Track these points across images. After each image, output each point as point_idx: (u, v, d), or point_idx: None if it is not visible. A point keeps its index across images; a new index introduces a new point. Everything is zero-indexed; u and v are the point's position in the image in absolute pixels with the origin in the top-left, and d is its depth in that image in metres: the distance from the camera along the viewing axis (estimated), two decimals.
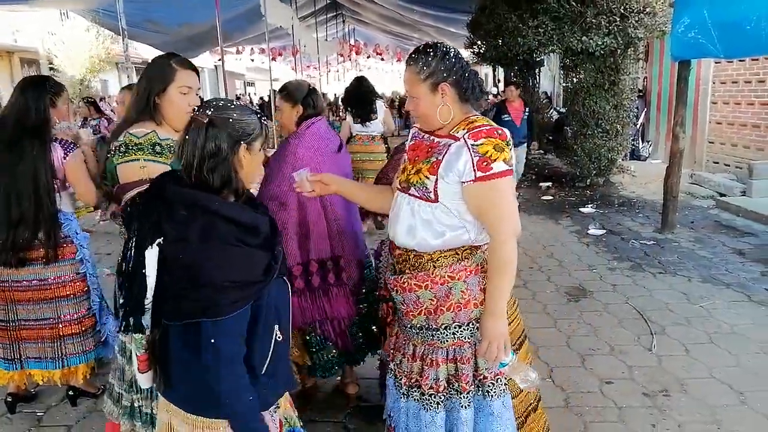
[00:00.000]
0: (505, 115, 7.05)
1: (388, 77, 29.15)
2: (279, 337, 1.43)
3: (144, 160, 1.91)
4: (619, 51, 7.58)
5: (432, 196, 1.71)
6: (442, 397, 1.78)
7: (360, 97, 5.54)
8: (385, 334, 2.56)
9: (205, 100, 1.52)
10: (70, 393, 2.87)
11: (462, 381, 1.75)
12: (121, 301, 1.40)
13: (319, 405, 2.78)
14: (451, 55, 1.71)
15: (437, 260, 1.75)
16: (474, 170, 1.62)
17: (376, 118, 5.59)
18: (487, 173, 1.61)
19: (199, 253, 1.30)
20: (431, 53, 1.70)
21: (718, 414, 2.70)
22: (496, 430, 1.77)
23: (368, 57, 22.56)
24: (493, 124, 1.70)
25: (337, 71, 24.30)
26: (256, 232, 1.37)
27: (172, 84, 1.96)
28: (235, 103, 1.46)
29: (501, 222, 1.65)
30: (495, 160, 1.61)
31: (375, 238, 4.81)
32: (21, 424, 2.76)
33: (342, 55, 19.33)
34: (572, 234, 6.00)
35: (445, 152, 1.69)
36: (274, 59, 14.61)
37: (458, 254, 1.74)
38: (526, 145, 7.42)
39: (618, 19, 7.18)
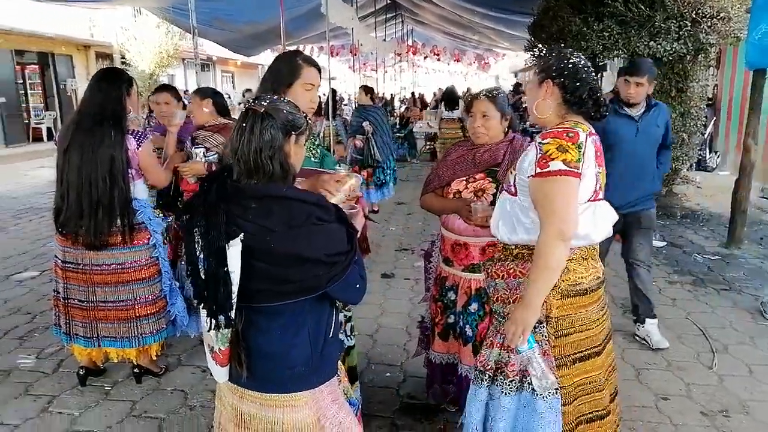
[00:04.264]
0: None
1: (444, 77, 29.05)
2: None
3: None
4: (688, 57, 7.27)
5: (513, 189, 1.84)
6: (488, 377, 1.88)
7: (449, 97, 10.06)
8: (434, 333, 2.61)
9: (255, 95, 1.59)
10: (136, 371, 3.05)
11: (508, 367, 1.82)
12: (200, 301, 1.45)
13: (367, 400, 2.83)
14: (570, 61, 1.77)
15: (516, 254, 1.86)
16: (535, 166, 1.70)
17: (458, 108, 9.69)
18: (543, 170, 1.67)
19: (289, 239, 1.38)
20: (551, 53, 1.82)
21: None
22: (537, 428, 1.78)
23: (425, 57, 22.55)
24: (577, 127, 1.72)
25: (394, 70, 24.39)
26: (326, 208, 1.46)
27: (298, 80, 2.00)
28: (284, 99, 1.56)
29: (546, 220, 1.68)
30: (554, 159, 1.66)
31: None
32: (91, 396, 2.95)
33: (399, 55, 19.39)
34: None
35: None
36: (333, 56, 14.83)
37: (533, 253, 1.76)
38: None
39: (689, 24, 6.89)
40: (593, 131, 1.79)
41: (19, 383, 3.08)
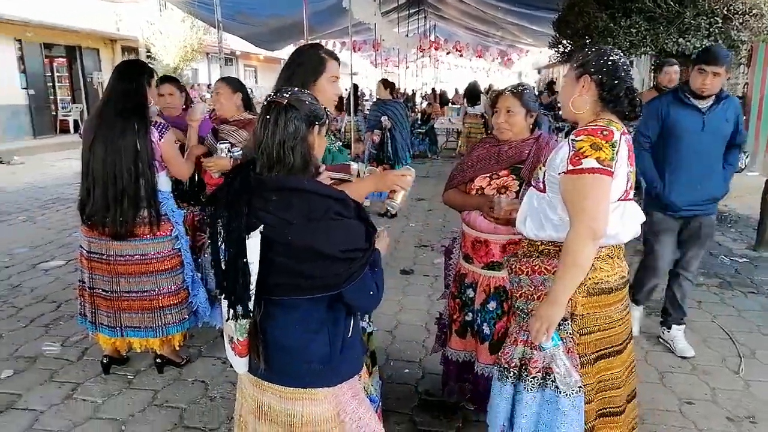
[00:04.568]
0: None
1: (466, 73, 28.88)
2: None
3: None
4: None
5: (541, 185, 1.83)
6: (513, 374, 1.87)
7: (471, 92, 10.81)
8: (451, 330, 2.59)
9: (277, 88, 1.60)
10: (158, 361, 3.09)
11: (531, 364, 1.82)
12: (222, 292, 1.47)
13: (385, 396, 2.83)
14: (610, 59, 1.76)
15: (542, 251, 1.84)
16: (567, 163, 1.68)
17: (480, 103, 10.50)
18: (576, 167, 1.66)
19: (307, 232, 1.38)
20: (592, 49, 1.80)
21: None
22: (560, 426, 1.78)
23: (447, 53, 22.40)
24: (611, 125, 1.70)
25: (416, 66, 24.28)
26: (346, 204, 1.46)
27: (324, 74, 2.02)
28: (304, 91, 1.56)
29: (577, 218, 1.66)
30: (587, 156, 1.65)
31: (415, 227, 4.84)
32: (114, 384, 3.00)
33: (422, 50, 19.30)
34: None
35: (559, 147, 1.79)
36: (355, 51, 14.81)
37: (560, 250, 1.75)
38: None
39: (720, 21, 6.73)
40: (626, 130, 1.77)
41: (45, 370, 3.14)
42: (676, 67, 5.05)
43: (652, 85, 8.47)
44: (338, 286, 1.41)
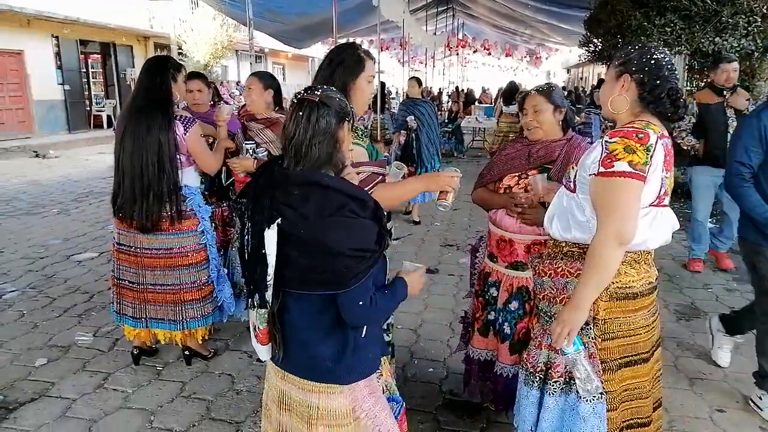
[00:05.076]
0: None
1: (494, 72, 28.66)
2: None
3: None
4: (756, 54, 6.91)
5: (572, 185, 1.79)
6: (538, 378, 1.86)
7: (508, 92, 9.66)
8: (473, 329, 2.58)
9: (306, 86, 1.62)
10: (186, 353, 3.14)
11: (553, 368, 1.81)
12: (245, 281, 1.53)
13: (409, 395, 2.83)
14: (653, 57, 1.70)
15: (566, 252, 1.81)
16: (599, 165, 1.64)
17: (515, 103, 8.69)
18: (608, 170, 1.61)
19: (318, 227, 1.41)
20: (635, 47, 1.75)
21: None
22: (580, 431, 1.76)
23: (475, 51, 22.27)
24: (648, 128, 1.65)
25: (443, 64, 24.17)
26: (364, 204, 1.47)
27: (363, 73, 2.05)
28: (332, 88, 1.59)
29: (605, 221, 1.62)
30: (619, 159, 1.60)
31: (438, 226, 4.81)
32: (143, 375, 3.07)
33: (449, 48, 19.21)
34: (687, 249, 5.59)
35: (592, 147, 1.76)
36: (383, 49, 14.82)
37: (585, 253, 1.72)
38: None
39: (759, 20, 6.54)
40: (665, 133, 1.71)
41: (77, 359, 3.23)
42: (735, 64, 4.54)
43: (686, 86, 8.28)
44: (345, 285, 1.43)
